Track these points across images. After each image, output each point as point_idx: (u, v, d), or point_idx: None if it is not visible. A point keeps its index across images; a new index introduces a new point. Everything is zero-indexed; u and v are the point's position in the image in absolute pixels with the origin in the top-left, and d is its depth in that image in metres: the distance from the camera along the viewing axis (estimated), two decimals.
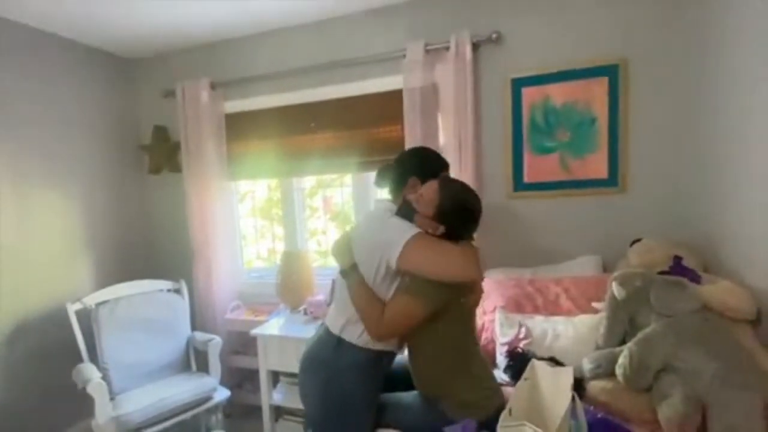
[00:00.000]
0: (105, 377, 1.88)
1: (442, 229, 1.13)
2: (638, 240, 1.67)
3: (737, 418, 1.05)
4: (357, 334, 1.20)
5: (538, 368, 0.98)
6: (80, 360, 2.00)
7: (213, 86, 2.47)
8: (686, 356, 1.17)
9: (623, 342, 1.33)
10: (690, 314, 1.27)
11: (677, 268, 1.51)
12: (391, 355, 1.31)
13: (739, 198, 1.49)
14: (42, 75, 2.23)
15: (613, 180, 1.89)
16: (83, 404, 1.83)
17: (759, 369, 1.16)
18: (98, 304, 2.10)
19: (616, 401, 1.24)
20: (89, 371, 1.87)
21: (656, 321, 1.28)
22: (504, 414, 0.80)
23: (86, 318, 2.06)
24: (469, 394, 1.16)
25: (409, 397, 1.27)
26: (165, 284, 2.37)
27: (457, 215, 1.14)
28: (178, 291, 2.39)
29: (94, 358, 2.02)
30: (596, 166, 1.90)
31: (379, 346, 1.21)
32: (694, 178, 1.75)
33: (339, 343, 1.22)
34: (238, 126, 2.52)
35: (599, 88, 1.86)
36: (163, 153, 2.69)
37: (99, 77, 2.53)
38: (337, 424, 1.20)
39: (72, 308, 2.03)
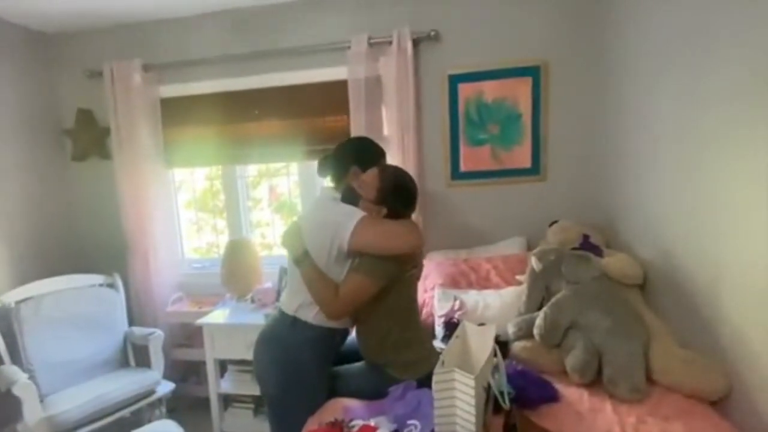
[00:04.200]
0: (31, 379, 1.76)
1: (384, 211, 1.26)
2: (555, 222, 1.92)
3: (623, 361, 1.30)
4: (312, 315, 1.28)
5: (467, 327, 1.14)
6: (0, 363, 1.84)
7: (146, 68, 2.33)
8: (587, 315, 1.41)
9: (541, 308, 1.55)
10: (592, 281, 1.52)
11: (585, 244, 1.78)
12: (344, 332, 1.40)
13: (634, 187, 1.77)
14: None
15: (535, 169, 2.13)
16: (1, 411, 1.67)
17: (641, 322, 1.43)
18: (18, 302, 1.94)
19: (535, 357, 1.45)
20: (13, 373, 1.73)
21: (566, 288, 1.52)
22: (437, 365, 0.94)
23: (4, 318, 1.89)
24: (412, 357, 1.29)
25: (357, 366, 1.38)
26: (97, 279, 2.24)
27: (397, 195, 1.27)
28: (111, 285, 2.27)
29: (17, 359, 1.87)
30: (521, 156, 2.13)
31: (332, 324, 1.30)
32: (600, 170, 2.03)
33: (294, 321, 1.30)
34: (176, 111, 2.41)
35: (524, 86, 2.08)
36: (89, 138, 2.50)
37: (12, 53, 2.27)
38: (294, 396, 1.27)
39: None
